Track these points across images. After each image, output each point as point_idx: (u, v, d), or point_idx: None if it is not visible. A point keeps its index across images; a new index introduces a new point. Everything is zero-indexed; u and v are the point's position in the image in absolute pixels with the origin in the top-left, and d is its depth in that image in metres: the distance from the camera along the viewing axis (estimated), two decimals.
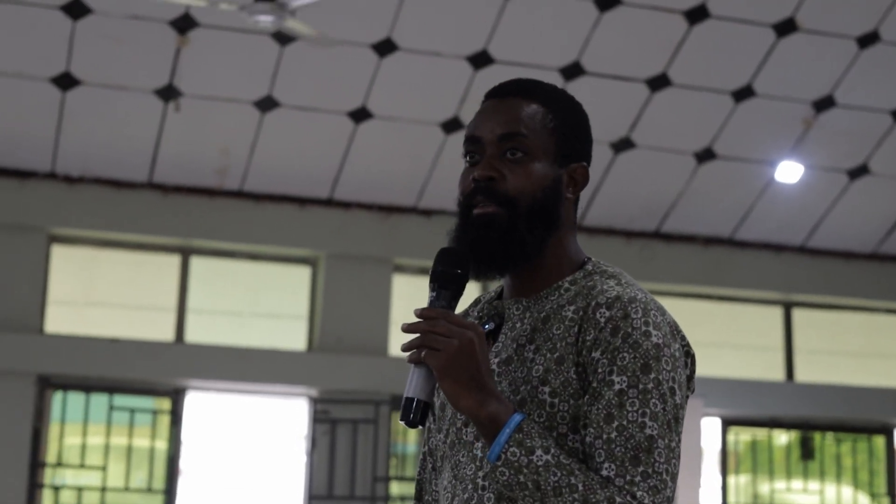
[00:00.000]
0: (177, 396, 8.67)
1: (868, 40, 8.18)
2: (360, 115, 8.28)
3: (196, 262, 8.90)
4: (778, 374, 9.93)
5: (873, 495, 10.15)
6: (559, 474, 1.82)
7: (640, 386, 1.85)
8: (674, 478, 1.85)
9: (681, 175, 8.92)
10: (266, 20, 5.65)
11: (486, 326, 2.04)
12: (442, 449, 2.08)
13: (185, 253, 8.87)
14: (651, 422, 1.84)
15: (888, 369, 10.26)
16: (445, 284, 1.94)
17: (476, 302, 2.19)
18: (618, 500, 1.80)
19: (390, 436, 8.85)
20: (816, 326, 10.11)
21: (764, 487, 9.98)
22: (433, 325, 1.87)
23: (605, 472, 1.83)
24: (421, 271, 9.17)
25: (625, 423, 1.84)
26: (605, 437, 1.85)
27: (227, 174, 8.58)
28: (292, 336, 8.97)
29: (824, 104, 8.62)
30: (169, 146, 8.32)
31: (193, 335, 8.76)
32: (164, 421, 8.68)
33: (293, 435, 9.11)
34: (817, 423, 10.02)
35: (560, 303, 1.98)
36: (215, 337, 8.76)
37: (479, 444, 1.97)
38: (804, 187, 9.23)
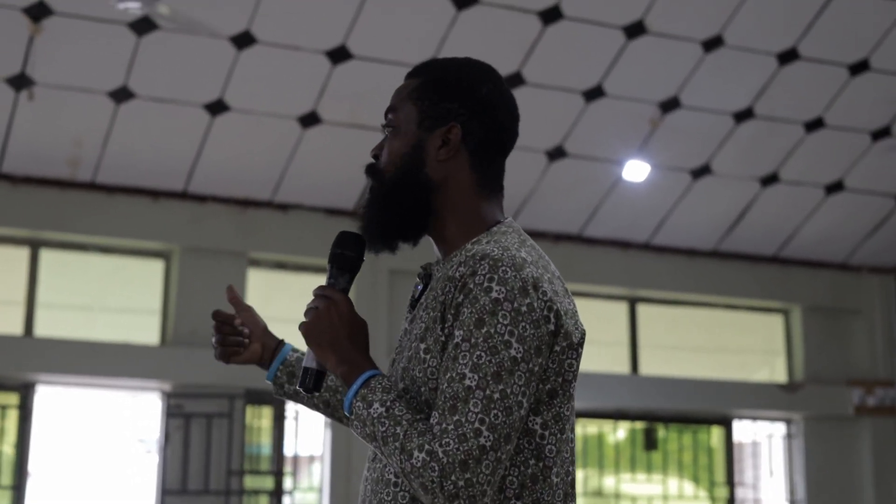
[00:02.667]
0: (26, 391, 8.51)
1: (713, 44, 8.50)
2: (217, 107, 8.25)
3: (46, 255, 8.74)
4: (623, 368, 10.22)
5: (713, 483, 10.52)
6: (388, 424, 1.95)
7: (473, 339, 1.94)
8: (493, 428, 1.90)
9: (533, 173, 9.12)
10: (134, 6, 5.61)
11: (418, 287, 2.19)
12: None
13: (35, 245, 8.71)
14: (472, 373, 1.92)
15: (728, 363, 10.65)
16: (341, 266, 2.15)
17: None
18: (426, 447, 1.90)
19: (245, 430, 8.83)
20: (660, 321, 10.44)
21: (609, 480, 10.25)
22: (311, 301, 2.11)
23: (431, 420, 1.93)
24: (277, 265, 9.18)
25: (453, 374, 1.93)
26: (440, 388, 1.95)
27: (79, 165, 8.45)
28: (145, 330, 8.88)
29: (670, 105, 8.92)
30: (20, 136, 8.17)
31: (43, 329, 8.60)
32: (13, 416, 8.51)
33: (146, 430, 9.02)
34: (660, 415, 10.34)
35: (452, 263, 2.08)
36: (66, 331, 8.61)
37: None
38: (650, 186, 9.53)
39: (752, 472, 10.99)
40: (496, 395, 1.90)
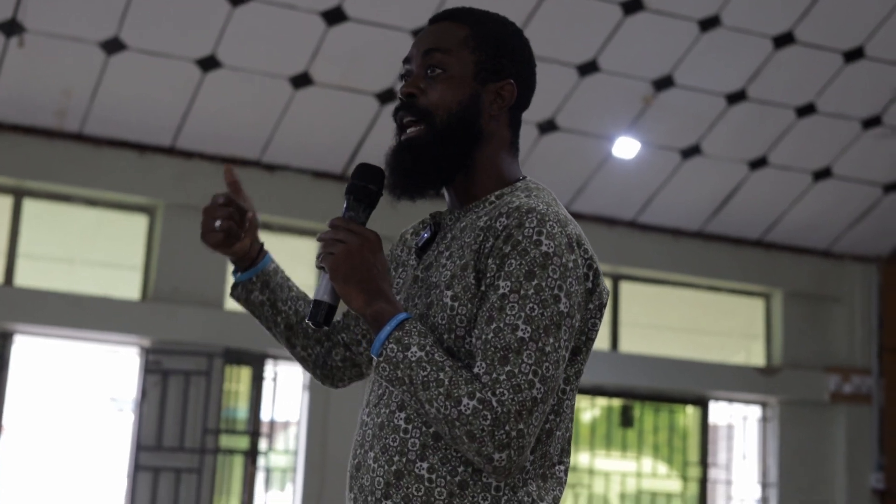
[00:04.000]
0: (4, 341, 8.45)
1: (709, 24, 8.48)
2: (209, 63, 8.18)
3: (29, 205, 8.67)
4: (603, 344, 10.23)
5: (686, 463, 10.56)
6: (429, 369, 1.92)
7: (522, 291, 1.94)
8: (544, 380, 1.92)
9: (523, 144, 9.05)
10: None
11: (424, 235, 2.15)
12: (366, 348, 2.21)
13: (18, 195, 8.64)
14: (525, 325, 1.92)
15: (707, 344, 10.67)
16: (359, 197, 2.09)
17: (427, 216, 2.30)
18: (478, 395, 1.89)
19: (223, 388, 8.81)
20: (642, 299, 10.44)
21: (583, 456, 10.28)
22: (335, 232, 2.02)
23: (476, 370, 1.93)
24: (262, 226, 9.11)
25: (501, 325, 1.93)
26: (483, 337, 1.94)
27: (67, 116, 8.38)
28: (126, 285, 8.83)
29: (664, 83, 8.90)
30: (8, 83, 8.08)
31: (24, 279, 8.54)
32: None
33: (120, 387, 8.99)
34: (638, 392, 10.36)
35: (479, 214, 2.10)
36: (46, 282, 8.56)
37: None
38: (639, 164, 9.51)
39: (726, 453, 11.04)
40: (548, 349, 1.92)
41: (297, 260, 9.09)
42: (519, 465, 1.90)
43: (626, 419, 10.39)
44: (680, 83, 8.90)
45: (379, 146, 9.85)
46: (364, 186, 2.08)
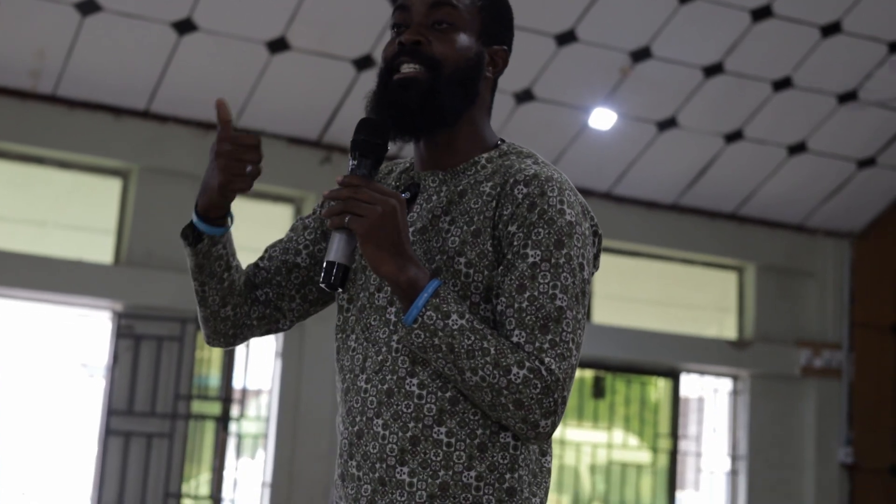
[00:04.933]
0: None
1: None
2: (185, 26, 8.12)
3: (1, 167, 8.59)
4: None
5: (657, 435, 10.61)
6: (473, 338, 1.91)
7: (553, 260, 1.96)
8: (578, 347, 1.97)
9: (499, 114, 9.06)
10: None
11: (404, 195, 2.11)
12: (348, 311, 2.15)
13: None
14: (561, 294, 1.95)
15: (679, 317, 10.71)
16: (366, 153, 2.01)
17: (389, 171, 2.25)
18: (527, 364, 1.91)
19: (195, 354, 8.79)
20: (615, 271, 10.46)
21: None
22: (356, 191, 1.94)
23: (515, 339, 1.94)
24: None
25: (536, 293, 1.94)
26: (516, 305, 1.95)
27: (40, 77, 8.30)
28: (99, 248, 8.78)
29: (641, 55, 8.88)
30: None
31: None
32: None
33: (91, 353, 8.95)
34: (610, 364, 10.40)
35: (477, 178, 2.07)
36: (18, 244, 8.50)
37: (393, 309, 2.05)
38: (615, 135, 9.51)
39: (696, 426, 11.10)
40: (580, 316, 1.98)
41: (271, 226, 9.06)
42: (556, 428, 1.95)
43: (598, 390, 10.43)
44: (657, 55, 8.89)
45: (355, 113, 9.78)
46: (371, 141, 2.01)
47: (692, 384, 10.93)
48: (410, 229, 2.08)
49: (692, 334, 10.58)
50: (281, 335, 9.02)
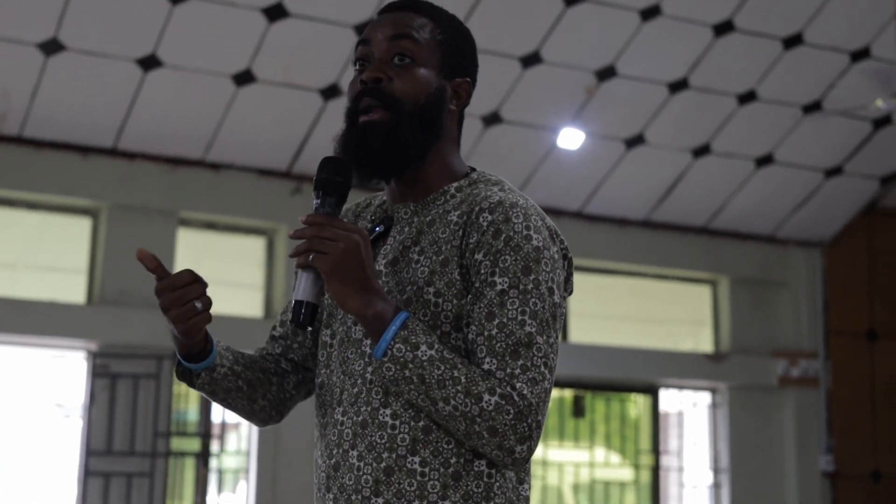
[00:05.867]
0: None
1: (650, 13, 8.51)
2: (150, 62, 8.11)
3: None
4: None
5: (638, 451, 10.61)
6: (443, 368, 1.92)
7: (521, 286, 1.96)
8: (552, 371, 1.97)
9: (468, 138, 9.08)
10: None
11: (377, 229, 2.13)
12: (331, 346, 2.14)
13: None
14: (530, 319, 1.95)
15: (656, 332, 10.73)
16: (329, 191, 2.01)
17: (367, 204, 2.25)
18: (498, 390, 1.91)
19: (172, 391, 8.74)
20: (590, 290, 10.47)
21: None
22: (319, 230, 1.94)
23: (486, 366, 1.94)
24: (207, 225, 9.06)
25: (505, 320, 1.95)
26: (486, 333, 1.95)
27: (6, 119, 8.27)
28: (71, 289, 8.73)
29: (606, 73, 8.93)
30: None
31: None
32: None
33: (66, 393, 8.89)
34: (588, 382, 10.40)
35: (446, 208, 2.08)
36: None
37: (368, 341, 2.05)
38: (584, 154, 9.54)
39: (677, 440, 11.11)
40: (551, 340, 1.97)
41: (244, 259, 9.04)
42: (533, 453, 1.95)
43: (578, 409, 10.43)
44: (622, 73, 8.94)
45: (324, 143, 9.77)
46: (333, 180, 2.01)
47: (671, 399, 10.94)
48: (383, 261, 2.09)
49: (669, 349, 10.61)
50: None
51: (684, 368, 10.52)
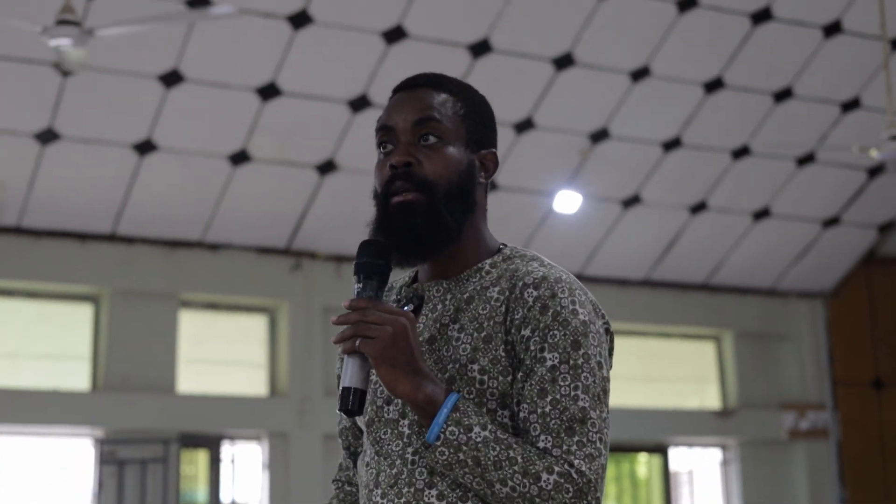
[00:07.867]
0: None
1: (640, 74, 8.58)
2: (145, 147, 8.14)
3: None
4: None
5: None
6: (498, 449, 1.89)
7: (572, 361, 1.94)
8: (607, 446, 1.93)
9: None
10: (65, 42, 5.51)
11: (406, 308, 2.09)
12: (369, 430, 2.12)
13: None
14: (583, 394, 1.92)
15: (662, 391, 10.69)
16: (370, 275, 1.98)
17: (389, 288, 2.23)
18: (556, 468, 1.88)
19: (180, 474, 8.67)
20: None
21: None
22: (364, 314, 1.91)
23: (541, 444, 1.90)
24: (208, 306, 9.04)
25: (558, 396, 1.92)
26: (539, 411, 1.92)
27: (4, 209, 8.28)
28: (75, 376, 8.70)
29: (599, 136, 8.97)
30: None
31: None
32: None
33: (80, 477, 8.82)
34: None
35: (483, 284, 2.05)
36: None
37: (406, 422, 2.02)
38: (581, 217, 9.56)
39: (689, 500, 11.02)
40: (604, 415, 1.95)
41: (246, 337, 9.01)
42: None
43: None
44: (616, 134, 8.98)
45: (321, 218, 9.83)
46: (375, 263, 1.98)
47: (681, 457, 10.87)
48: (422, 339, 2.06)
49: (676, 407, 10.56)
50: (266, 446, 8.94)
51: (693, 426, 10.47)
